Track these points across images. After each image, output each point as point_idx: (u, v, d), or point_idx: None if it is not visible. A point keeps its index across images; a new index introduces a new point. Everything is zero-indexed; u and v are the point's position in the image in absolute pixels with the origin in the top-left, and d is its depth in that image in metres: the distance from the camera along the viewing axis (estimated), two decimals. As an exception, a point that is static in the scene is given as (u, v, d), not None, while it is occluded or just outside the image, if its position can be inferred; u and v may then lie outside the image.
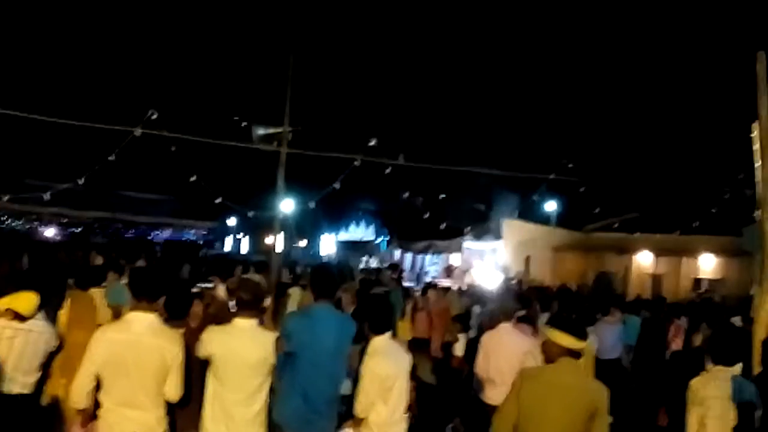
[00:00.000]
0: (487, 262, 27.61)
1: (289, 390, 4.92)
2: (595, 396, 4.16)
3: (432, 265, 31.35)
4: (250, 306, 4.89)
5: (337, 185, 12.19)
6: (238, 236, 51.04)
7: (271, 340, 4.88)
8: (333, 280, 5.32)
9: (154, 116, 10.60)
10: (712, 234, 22.62)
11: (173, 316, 5.31)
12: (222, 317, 5.39)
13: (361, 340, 5.27)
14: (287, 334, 4.95)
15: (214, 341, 4.79)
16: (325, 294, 5.22)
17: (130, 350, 4.37)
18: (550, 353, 4.27)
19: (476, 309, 14.04)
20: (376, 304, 5.49)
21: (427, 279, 26.33)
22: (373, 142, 11.74)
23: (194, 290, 6.37)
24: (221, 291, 5.94)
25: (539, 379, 4.23)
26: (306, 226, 38.86)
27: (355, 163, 11.69)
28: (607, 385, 4.26)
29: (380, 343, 5.21)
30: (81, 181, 11.39)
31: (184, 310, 5.57)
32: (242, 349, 4.76)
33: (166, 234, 52.20)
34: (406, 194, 13.47)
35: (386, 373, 5.07)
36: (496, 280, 25.09)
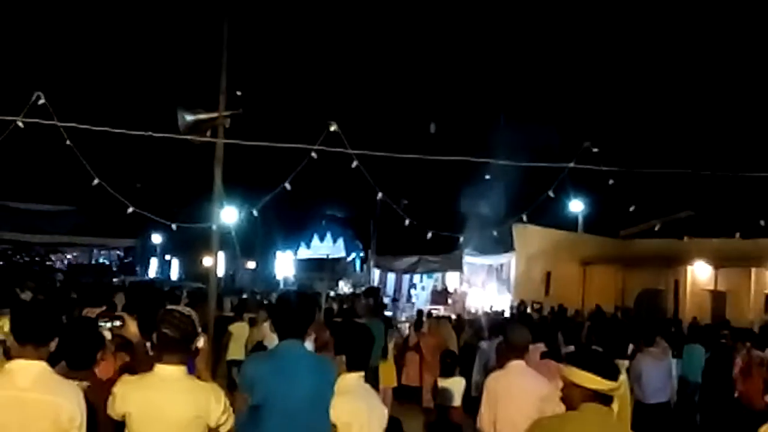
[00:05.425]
0: (494, 281, 27.75)
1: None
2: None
3: (422, 290, 31.45)
4: (176, 347, 4.85)
5: (287, 185, 12.11)
6: (165, 257, 50.83)
7: (206, 393, 4.86)
8: (303, 313, 5.41)
9: (41, 101, 10.46)
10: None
11: (75, 365, 5.26)
12: (138, 364, 5.35)
13: None
14: (250, 383, 5.01)
15: (130, 396, 4.76)
16: (293, 331, 5.29)
17: (13, 410, 4.32)
18: (571, 398, 4.28)
19: (483, 345, 14.12)
20: (356, 334, 5.69)
21: (415, 306, 26.40)
22: (333, 128, 11.65)
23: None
24: (133, 329, 5.90)
25: (557, 434, 4.24)
26: (254, 242, 38.78)
27: (312, 155, 11.61)
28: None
29: (349, 381, 5.38)
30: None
31: (89, 356, 5.52)
32: (167, 405, 4.73)
33: (70, 257, 51.83)
34: (380, 195, 13.40)
35: (348, 417, 5.20)
36: (505, 304, 25.24)
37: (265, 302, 18.58)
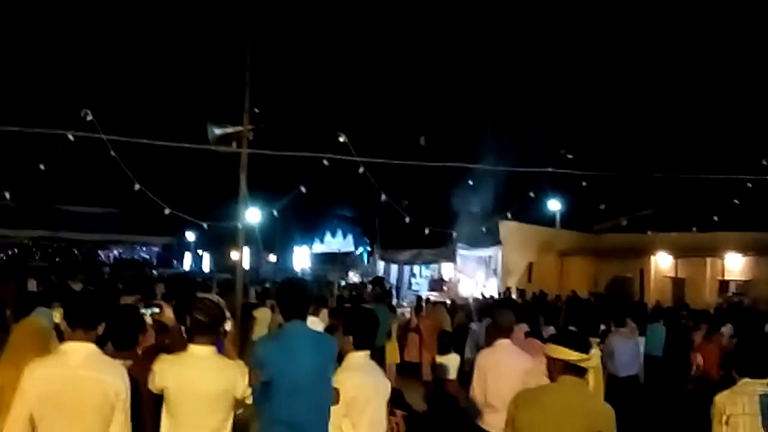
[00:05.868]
0: (484, 270, 27.68)
1: (271, 424, 4.98)
2: (599, 420, 4.14)
3: (421, 278, 31.39)
4: (206, 330, 4.85)
5: (303, 189, 12.11)
6: (198, 252, 50.80)
7: (233, 370, 4.87)
8: (303, 296, 5.36)
9: (89, 117, 10.44)
10: (735, 230, 22.82)
11: (119, 346, 5.26)
12: (174, 345, 5.33)
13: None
14: (260, 362, 4.98)
15: (167, 373, 4.74)
16: (296, 313, 5.25)
17: (66, 386, 4.30)
18: (551, 371, 4.27)
19: (474, 326, 14.09)
20: (363, 317, 5.65)
21: (413, 294, 26.38)
22: (342, 139, 11.67)
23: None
24: (169, 314, 5.91)
25: (536, 403, 4.22)
26: (275, 238, 38.75)
27: (324, 161, 11.61)
28: (623, 406, 4.26)
29: (356, 359, 5.38)
30: (8, 195, 11.21)
31: (131, 338, 5.51)
32: (199, 380, 4.73)
33: (116, 253, 51.85)
34: (383, 196, 13.40)
35: (355, 392, 5.20)
36: (493, 291, 25.19)
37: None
